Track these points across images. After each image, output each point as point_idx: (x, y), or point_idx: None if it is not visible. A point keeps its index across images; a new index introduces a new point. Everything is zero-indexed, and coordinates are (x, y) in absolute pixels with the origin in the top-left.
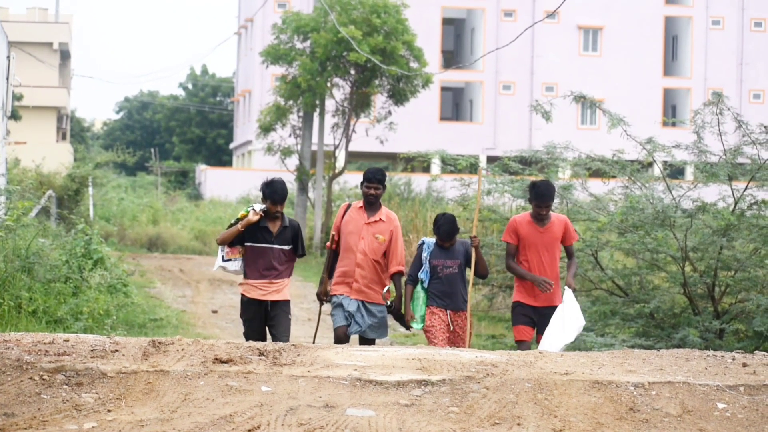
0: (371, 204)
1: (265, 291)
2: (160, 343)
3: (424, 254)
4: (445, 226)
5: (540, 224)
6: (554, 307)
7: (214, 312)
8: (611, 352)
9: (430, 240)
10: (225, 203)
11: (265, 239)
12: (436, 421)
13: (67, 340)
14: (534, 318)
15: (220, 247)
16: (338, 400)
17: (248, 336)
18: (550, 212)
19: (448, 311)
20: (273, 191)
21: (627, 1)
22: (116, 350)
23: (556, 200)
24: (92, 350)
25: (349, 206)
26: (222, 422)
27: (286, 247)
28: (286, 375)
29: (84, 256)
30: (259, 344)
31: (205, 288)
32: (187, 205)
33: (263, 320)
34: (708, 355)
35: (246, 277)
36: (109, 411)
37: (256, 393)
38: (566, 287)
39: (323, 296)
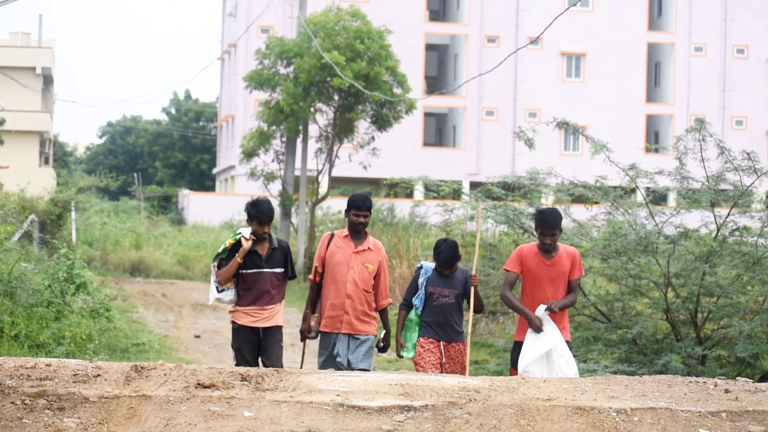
0: (358, 232)
1: (256, 318)
2: (142, 367)
3: (421, 279)
4: (446, 252)
5: (547, 256)
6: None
7: (197, 337)
8: (594, 377)
9: (429, 265)
10: (208, 228)
11: (255, 264)
12: None
13: (50, 365)
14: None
15: (212, 278)
16: (321, 426)
17: (239, 365)
18: (559, 244)
19: (441, 342)
20: (259, 211)
21: (610, 28)
22: (98, 375)
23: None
24: (74, 375)
25: (332, 236)
26: None
27: (277, 270)
28: (268, 400)
29: (66, 281)
30: (242, 369)
31: (187, 313)
32: (170, 230)
33: (256, 348)
34: (690, 381)
35: (237, 303)
36: None
37: (238, 418)
38: (546, 307)
39: (307, 333)
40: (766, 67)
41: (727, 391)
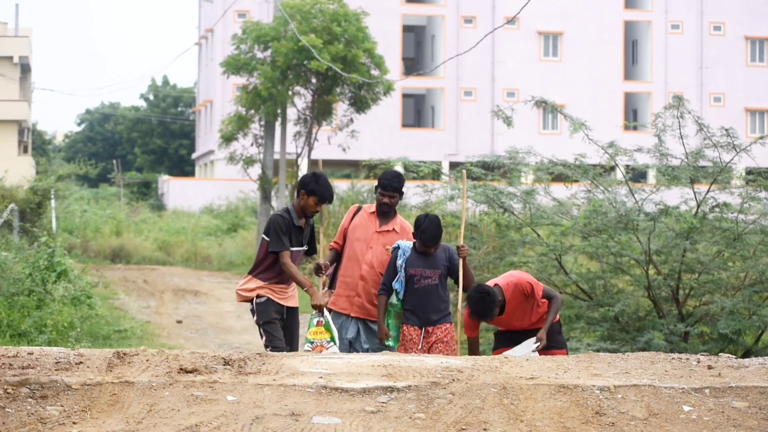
0: (385, 213)
1: (282, 296)
2: (124, 354)
3: (399, 260)
4: (431, 230)
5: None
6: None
7: (179, 322)
8: (576, 356)
9: (406, 244)
10: (188, 213)
11: (299, 242)
12: (402, 427)
13: (31, 353)
14: (518, 341)
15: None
16: (304, 408)
17: (273, 342)
18: (506, 284)
19: (424, 327)
20: (323, 188)
21: (586, 6)
22: (81, 362)
23: (519, 205)
24: (57, 363)
25: (359, 208)
26: None
27: (304, 248)
28: (251, 384)
29: (47, 269)
30: (224, 353)
31: (169, 298)
32: (150, 216)
33: (280, 326)
34: (673, 358)
35: (262, 279)
36: (74, 423)
37: (221, 402)
38: (536, 345)
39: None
40: (742, 44)
41: (709, 367)
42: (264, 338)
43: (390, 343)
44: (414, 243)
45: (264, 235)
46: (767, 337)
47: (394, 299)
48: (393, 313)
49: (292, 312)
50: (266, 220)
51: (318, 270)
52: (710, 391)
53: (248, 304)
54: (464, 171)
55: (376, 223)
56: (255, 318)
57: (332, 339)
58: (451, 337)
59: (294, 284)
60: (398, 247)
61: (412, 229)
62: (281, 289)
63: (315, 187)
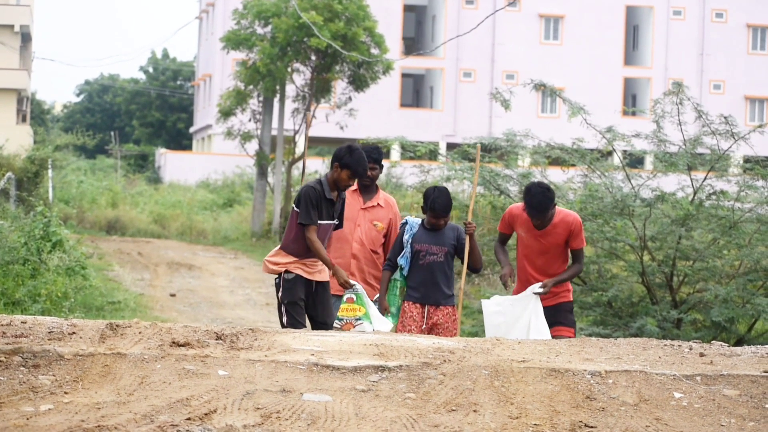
0: (367, 187)
1: (312, 270)
2: (117, 326)
3: (406, 236)
4: (441, 199)
5: (538, 225)
6: (549, 308)
7: (172, 296)
8: (568, 340)
9: (414, 220)
10: (184, 187)
11: (329, 215)
12: (392, 406)
13: (25, 322)
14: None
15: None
16: (295, 385)
17: (295, 326)
18: (558, 209)
19: (426, 306)
20: (357, 162)
21: None
22: (73, 333)
23: (515, 188)
24: (49, 332)
25: None
26: (178, 405)
27: (335, 222)
28: (243, 359)
29: (43, 239)
30: (216, 328)
31: (163, 272)
32: (147, 189)
33: (307, 303)
34: (665, 345)
35: (291, 254)
36: (65, 393)
37: (212, 377)
38: (533, 290)
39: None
40: (744, 32)
41: (702, 354)
42: (285, 318)
43: (390, 319)
44: (422, 220)
45: (294, 206)
46: (760, 325)
47: (398, 275)
48: (398, 288)
49: (324, 286)
50: (262, 196)
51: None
52: (702, 378)
53: (244, 282)
54: (478, 145)
55: (359, 200)
56: (279, 294)
57: (365, 316)
58: (452, 320)
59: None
60: (406, 222)
61: (396, 204)
62: (312, 262)
63: (349, 161)
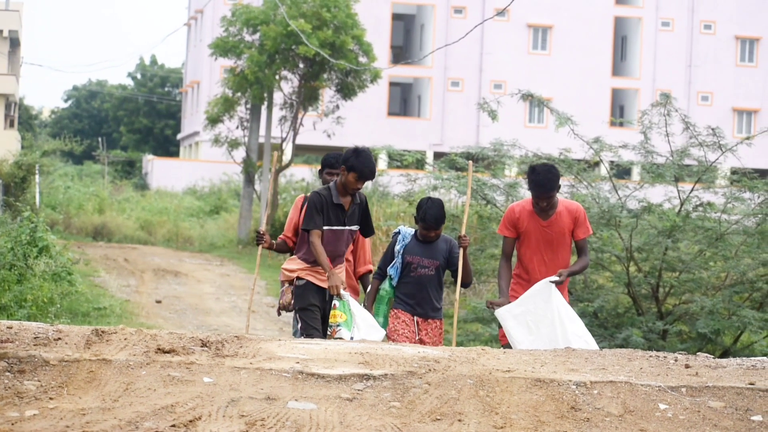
0: None
1: (323, 277)
2: (103, 332)
3: (398, 246)
4: (433, 210)
5: (543, 216)
6: None
7: (158, 302)
8: (554, 350)
9: (407, 230)
10: (171, 193)
11: (339, 220)
12: (377, 415)
13: (10, 327)
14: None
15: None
16: (280, 393)
17: (308, 331)
18: (559, 198)
19: (416, 318)
20: (363, 165)
21: (577, 1)
22: (59, 338)
23: (502, 198)
24: (35, 338)
25: (306, 198)
26: (163, 412)
27: (354, 228)
28: (228, 366)
29: (29, 244)
30: (202, 335)
31: (149, 278)
32: (133, 195)
33: (319, 313)
34: (651, 356)
35: (304, 259)
36: (51, 399)
37: (197, 384)
38: (549, 279)
39: (289, 309)
40: (732, 44)
41: (687, 366)
42: (299, 324)
43: None
44: (415, 230)
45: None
46: (746, 337)
47: (386, 285)
48: (387, 299)
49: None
50: (249, 204)
51: (259, 238)
52: (687, 390)
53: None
54: (470, 162)
55: None
56: (292, 301)
57: (345, 323)
58: (439, 334)
59: (340, 266)
60: (399, 232)
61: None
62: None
63: (354, 163)
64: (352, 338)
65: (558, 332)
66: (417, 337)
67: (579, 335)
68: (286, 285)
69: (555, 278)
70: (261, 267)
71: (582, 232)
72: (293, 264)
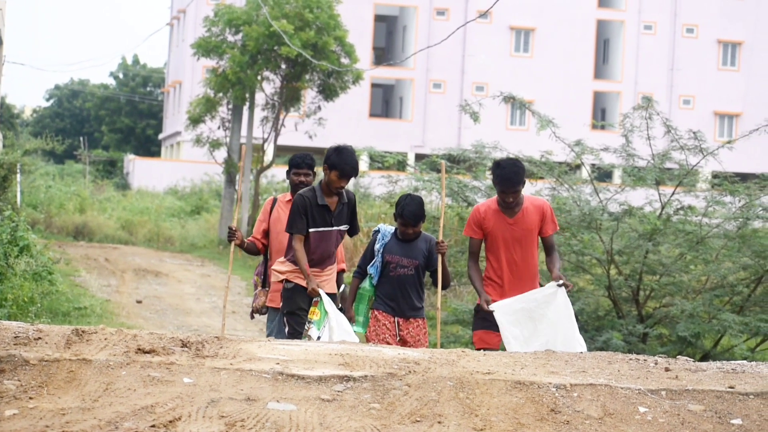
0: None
1: (318, 281)
2: (83, 331)
3: (377, 245)
4: (411, 206)
5: (509, 214)
6: None
7: (139, 302)
8: (534, 352)
9: (387, 228)
10: (152, 193)
11: (325, 221)
12: (357, 416)
13: None
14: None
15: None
16: (260, 394)
17: (295, 336)
18: (525, 195)
19: (396, 318)
20: (344, 162)
21: (559, 4)
22: (39, 338)
23: (483, 199)
24: (15, 337)
25: (275, 200)
26: (143, 412)
27: (343, 228)
28: (208, 367)
29: (10, 243)
30: (182, 335)
31: (130, 278)
32: (115, 195)
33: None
34: (631, 359)
35: (293, 263)
36: (30, 398)
37: (178, 384)
38: (556, 283)
39: (262, 312)
40: (714, 47)
41: (667, 369)
42: (287, 328)
43: (357, 328)
44: (395, 229)
45: None
46: (726, 341)
47: (367, 284)
48: (367, 297)
49: (332, 298)
50: (230, 204)
51: (231, 235)
52: (667, 393)
53: (211, 289)
54: (443, 162)
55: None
56: (281, 304)
57: (317, 321)
58: (423, 333)
59: (330, 267)
60: (378, 231)
61: None
62: (316, 272)
63: (336, 160)
64: (319, 338)
65: (559, 334)
66: (398, 339)
67: (581, 343)
68: (259, 288)
69: (562, 282)
70: (241, 268)
71: (551, 228)
72: (282, 266)
